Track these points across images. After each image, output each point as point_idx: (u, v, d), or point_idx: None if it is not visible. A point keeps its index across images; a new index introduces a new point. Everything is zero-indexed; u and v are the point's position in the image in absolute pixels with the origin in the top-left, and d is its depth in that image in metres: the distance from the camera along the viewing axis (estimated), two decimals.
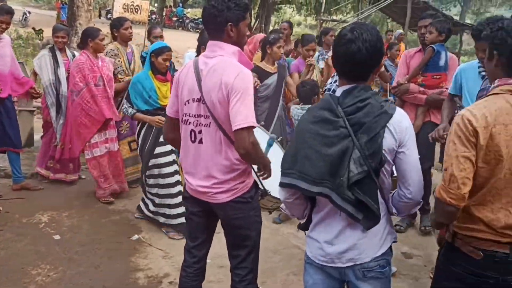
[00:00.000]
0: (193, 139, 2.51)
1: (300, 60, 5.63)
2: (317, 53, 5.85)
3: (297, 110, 4.34)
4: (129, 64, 5.37)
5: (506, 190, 1.85)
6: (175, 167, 4.38)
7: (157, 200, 4.39)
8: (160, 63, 4.15)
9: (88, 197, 5.20)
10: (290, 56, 6.55)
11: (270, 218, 4.61)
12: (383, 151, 1.88)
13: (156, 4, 32.16)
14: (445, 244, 2.08)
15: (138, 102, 4.21)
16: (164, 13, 29.91)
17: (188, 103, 2.50)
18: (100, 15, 26.63)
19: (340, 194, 1.88)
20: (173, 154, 4.33)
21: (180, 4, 30.96)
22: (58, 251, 4.01)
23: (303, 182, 1.93)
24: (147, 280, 3.66)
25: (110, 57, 5.28)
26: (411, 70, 4.43)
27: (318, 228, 2.09)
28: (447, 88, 4.03)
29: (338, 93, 1.98)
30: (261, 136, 2.97)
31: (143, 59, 5.53)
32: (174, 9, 30.42)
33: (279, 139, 3.41)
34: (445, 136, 3.24)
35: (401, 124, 1.91)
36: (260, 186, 2.76)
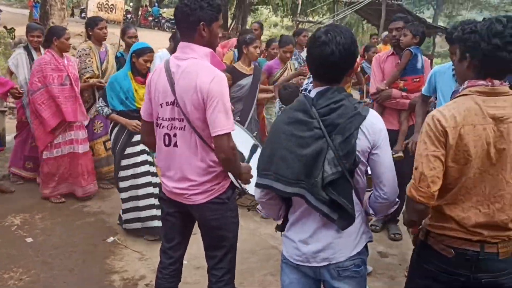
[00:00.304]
0: (167, 143, 2.49)
1: (277, 61, 5.62)
2: None
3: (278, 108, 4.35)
4: (101, 63, 5.31)
5: (476, 189, 1.89)
6: (145, 168, 4.23)
7: (125, 204, 4.28)
8: (141, 64, 4.06)
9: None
10: (262, 56, 6.56)
11: (247, 219, 4.61)
12: (357, 152, 1.90)
13: (131, 4, 31.85)
14: (419, 242, 2.12)
15: (114, 102, 4.11)
16: (139, 13, 29.62)
17: (162, 106, 2.47)
18: (72, 14, 26.17)
19: (314, 194, 1.91)
20: (145, 155, 4.22)
21: (156, 4, 30.73)
22: (31, 254, 3.94)
23: (278, 183, 1.95)
24: (123, 283, 3.62)
25: (81, 56, 5.23)
26: (386, 75, 4.38)
27: (293, 228, 2.11)
28: None
29: (313, 94, 2.00)
30: (239, 134, 2.98)
31: (117, 59, 5.50)
32: (149, 9, 30.13)
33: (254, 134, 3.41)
34: None
35: (374, 126, 1.94)
36: (238, 185, 2.76)
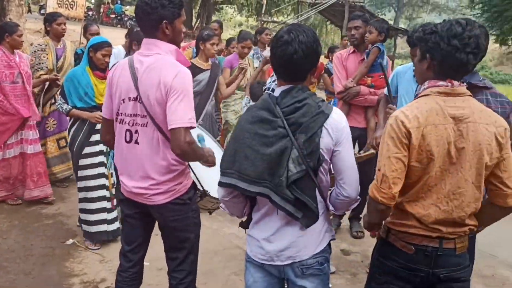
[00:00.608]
0: (128, 139, 2.43)
1: (235, 56, 5.62)
2: (252, 52, 5.89)
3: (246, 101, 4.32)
4: (57, 60, 5.18)
5: (437, 188, 1.93)
6: (101, 170, 4.10)
7: (80, 205, 4.15)
8: (99, 59, 3.95)
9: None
10: (222, 55, 6.56)
11: (211, 219, 4.58)
12: (321, 150, 1.91)
13: (93, 0, 31.17)
14: (380, 239, 2.15)
15: (72, 98, 3.97)
16: (101, 10, 29.04)
17: (124, 102, 2.42)
18: (29, 11, 25.37)
19: (279, 193, 1.91)
20: (102, 156, 4.09)
21: (119, 1, 30.16)
22: None
23: (242, 182, 1.94)
24: (82, 286, 3.52)
25: (36, 51, 5.09)
26: (349, 73, 4.37)
27: (257, 227, 2.10)
28: None
29: (277, 93, 2.00)
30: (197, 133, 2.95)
31: (77, 55, 5.37)
32: (112, 6, 29.58)
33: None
34: None
35: (337, 124, 1.95)
36: (199, 186, 2.73)
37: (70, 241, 4.19)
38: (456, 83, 1.93)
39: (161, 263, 3.47)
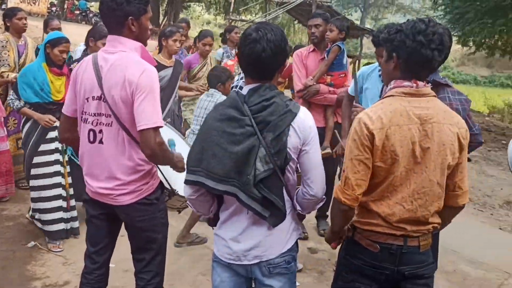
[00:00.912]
0: (91, 139, 2.37)
1: (196, 55, 5.59)
2: (222, 50, 5.86)
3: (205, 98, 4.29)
4: (19, 57, 5.03)
5: (402, 187, 1.96)
6: (57, 168, 3.99)
7: (33, 204, 4.05)
8: (56, 55, 3.84)
9: None
10: (190, 52, 6.51)
11: (178, 219, 4.52)
12: (288, 149, 1.92)
13: None
14: (346, 238, 2.17)
15: (27, 93, 3.83)
16: (65, 6, 28.32)
17: (88, 101, 2.35)
18: None
19: (246, 192, 1.90)
20: (58, 154, 3.98)
21: None
22: None
23: (209, 180, 1.92)
24: None
25: None
26: (309, 71, 4.36)
27: (224, 226, 2.10)
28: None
29: (245, 91, 1.99)
30: (166, 133, 2.90)
31: (38, 51, 5.21)
32: (76, 2, 28.88)
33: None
34: None
35: (305, 123, 1.96)
36: (167, 186, 2.69)
37: (32, 243, 4.06)
38: (421, 83, 1.96)
39: (127, 264, 3.40)
